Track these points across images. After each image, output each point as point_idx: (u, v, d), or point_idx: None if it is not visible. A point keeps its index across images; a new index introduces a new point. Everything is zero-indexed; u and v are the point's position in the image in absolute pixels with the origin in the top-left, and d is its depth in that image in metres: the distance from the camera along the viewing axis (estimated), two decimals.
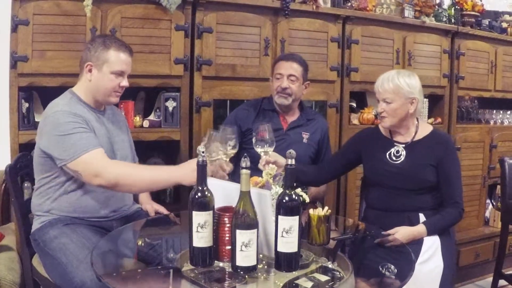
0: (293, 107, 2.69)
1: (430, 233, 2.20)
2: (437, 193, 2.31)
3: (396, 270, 1.77)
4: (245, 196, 1.53)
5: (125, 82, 2.14)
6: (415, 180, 2.28)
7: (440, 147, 2.31)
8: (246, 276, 1.52)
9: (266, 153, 2.07)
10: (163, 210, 2.41)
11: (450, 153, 2.32)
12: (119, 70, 2.10)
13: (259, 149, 2.07)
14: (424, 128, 2.39)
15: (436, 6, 3.58)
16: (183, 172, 1.95)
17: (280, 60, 2.66)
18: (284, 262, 1.56)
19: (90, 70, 2.10)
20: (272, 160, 2.08)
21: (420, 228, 2.21)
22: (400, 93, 2.27)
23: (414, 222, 2.26)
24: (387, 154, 2.37)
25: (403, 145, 2.36)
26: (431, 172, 2.29)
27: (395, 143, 2.38)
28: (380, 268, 1.81)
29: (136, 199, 2.40)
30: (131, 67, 2.18)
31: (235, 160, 2.33)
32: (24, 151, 2.34)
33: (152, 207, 2.39)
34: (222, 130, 1.98)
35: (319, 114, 2.94)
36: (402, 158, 2.33)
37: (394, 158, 2.35)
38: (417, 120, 2.39)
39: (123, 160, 2.20)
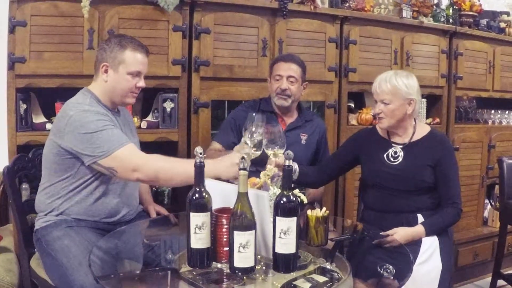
0: (292, 109, 2.69)
1: (428, 233, 2.20)
2: (435, 193, 2.31)
3: (394, 271, 1.77)
4: (243, 197, 1.53)
5: (141, 83, 2.13)
6: (413, 181, 2.28)
7: (438, 148, 2.31)
8: (244, 277, 1.52)
9: (276, 155, 2.06)
10: (164, 211, 2.40)
11: (448, 154, 2.32)
12: (135, 70, 2.09)
13: (269, 151, 2.04)
14: (422, 129, 2.39)
15: (434, 6, 3.58)
16: (223, 166, 1.94)
17: (278, 61, 2.65)
18: (282, 263, 1.56)
19: (106, 71, 2.08)
20: (281, 162, 2.07)
21: (419, 229, 2.21)
22: (398, 94, 2.26)
23: (412, 223, 2.26)
24: (385, 155, 2.36)
25: (401, 146, 2.35)
26: (429, 173, 2.28)
27: (393, 144, 2.37)
28: (379, 269, 1.81)
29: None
30: (147, 67, 2.17)
31: None
32: (22, 153, 2.34)
33: (153, 208, 2.39)
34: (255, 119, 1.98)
35: (317, 115, 2.94)
36: (400, 159, 2.33)
37: (392, 159, 2.34)
38: (415, 121, 2.39)
39: None
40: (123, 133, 2.06)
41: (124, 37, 2.15)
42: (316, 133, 2.73)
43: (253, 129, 1.95)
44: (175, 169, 1.99)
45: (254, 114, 2.00)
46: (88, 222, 2.08)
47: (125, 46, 2.08)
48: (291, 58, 2.65)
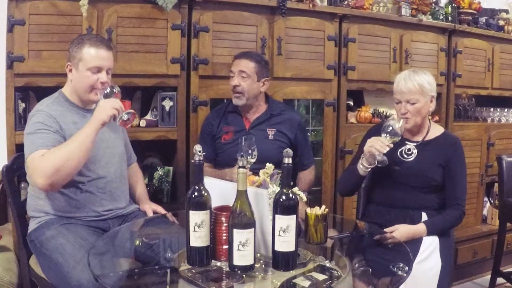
0: (254, 105, 2.60)
1: (429, 233, 2.21)
2: (442, 194, 2.32)
3: (394, 269, 1.77)
4: (242, 195, 1.53)
5: (104, 78, 2.09)
6: (423, 178, 2.29)
7: (450, 148, 2.33)
8: (244, 276, 1.52)
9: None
10: (161, 210, 2.39)
11: (459, 156, 2.34)
12: (94, 66, 2.06)
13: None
14: (436, 129, 2.41)
15: (433, 4, 3.58)
16: (97, 114, 1.96)
17: (234, 59, 2.58)
18: (282, 261, 1.56)
19: (70, 70, 2.11)
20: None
21: (420, 227, 2.21)
22: (423, 92, 2.27)
23: (415, 220, 2.26)
24: (398, 151, 2.36)
25: (415, 144, 2.36)
26: (439, 172, 2.30)
27: (407, 142, 2.38)
28: (378, 267, 1.81)
29: (133, 199, 2.39)
30: (112, 61, 2.14)
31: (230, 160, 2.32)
32: (20, 152, 2.33)
33: (150, 207, 2.38)
34: None
35: (289, 109, 2.80)
36: (413, 156, 2.34)
37: (405, 156, 2.35)
38: (429, 121, 2.40)
39: (113, 159, 2.21)
40: (61, 138, 2.01)
41: (87, 35, 2.15)
42: (287, 127, 2.61)
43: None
44: (66, 150, 1.91)
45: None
46: (77, 219, 2.08)
47: (84, 44, 2.07)
48: (244, 55, 2.56)
